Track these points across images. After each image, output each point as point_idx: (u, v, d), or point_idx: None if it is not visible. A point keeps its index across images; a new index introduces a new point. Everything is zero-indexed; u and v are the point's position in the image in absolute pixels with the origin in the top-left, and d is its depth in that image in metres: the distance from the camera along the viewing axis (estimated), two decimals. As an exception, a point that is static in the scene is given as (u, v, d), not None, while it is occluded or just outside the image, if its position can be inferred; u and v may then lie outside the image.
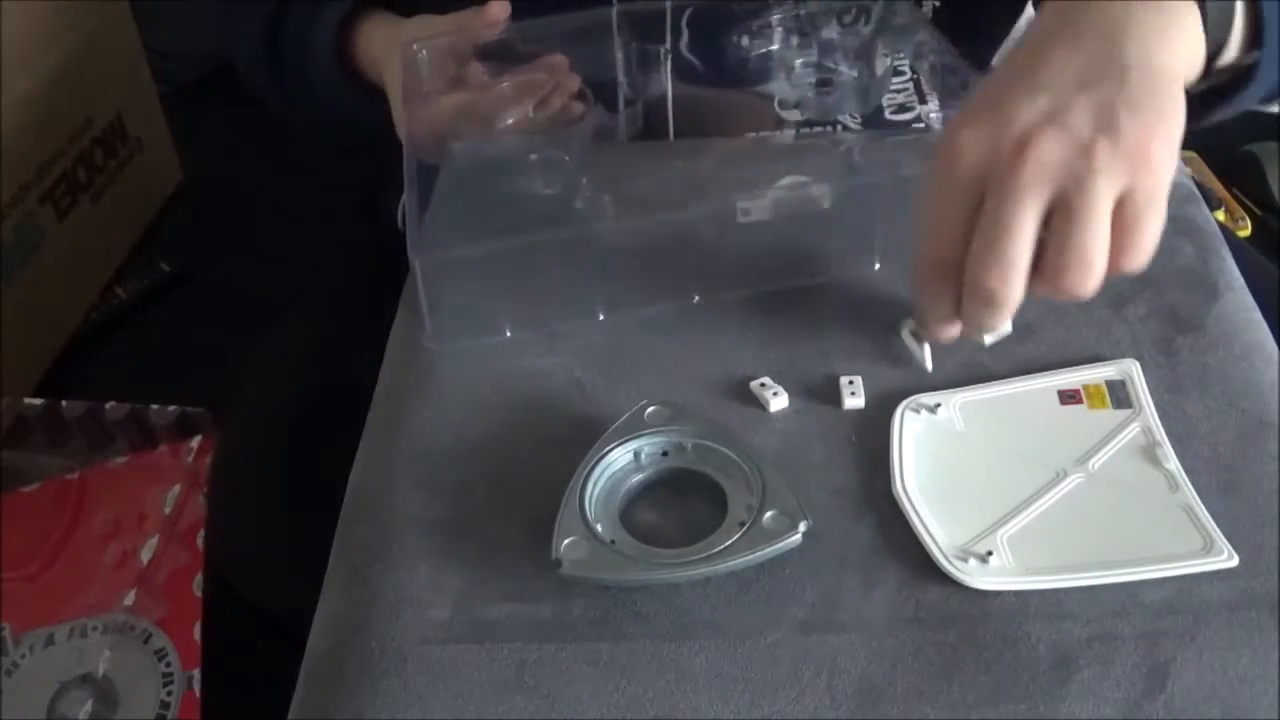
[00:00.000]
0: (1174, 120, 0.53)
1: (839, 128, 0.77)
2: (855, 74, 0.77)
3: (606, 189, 0.65)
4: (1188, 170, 0.76)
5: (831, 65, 0.77)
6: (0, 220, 1.41)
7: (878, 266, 0.67)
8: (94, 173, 1.60)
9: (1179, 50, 0.55)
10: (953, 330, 0.58)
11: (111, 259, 1.68)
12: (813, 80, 0.77)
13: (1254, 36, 0.59)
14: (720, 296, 0.66)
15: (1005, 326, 0.57)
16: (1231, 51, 0.59)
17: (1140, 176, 0.51)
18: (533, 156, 0.69)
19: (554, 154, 0.70)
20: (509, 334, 0.66)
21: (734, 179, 0.66)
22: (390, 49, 0.77)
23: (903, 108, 0.78)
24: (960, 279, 0.54)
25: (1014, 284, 0.53)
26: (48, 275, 1.50)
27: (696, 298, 0.66)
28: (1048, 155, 0.51)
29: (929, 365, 0.62)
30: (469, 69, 0.74)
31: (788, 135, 0.77)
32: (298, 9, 0.83)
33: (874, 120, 0.77)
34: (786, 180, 0.65)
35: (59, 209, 1.52)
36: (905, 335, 0.63)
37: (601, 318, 0.66)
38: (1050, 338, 0.64)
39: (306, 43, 0.82)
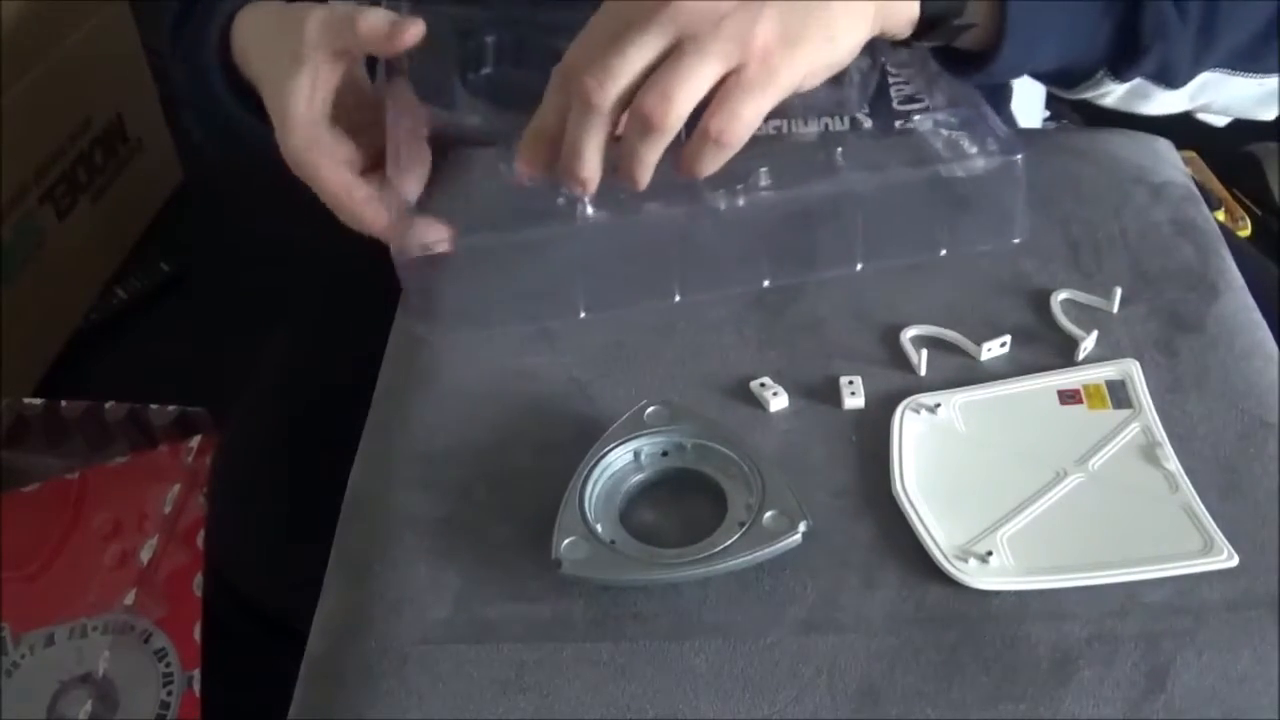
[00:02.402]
0: (814, 45, 0.55)
1: (844, 120, 0.76)
2: (852, 78, 0.76)
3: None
4: (1187, 170, 0.76)
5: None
6: (0, 220, 1.41)
7: (859, 267, 0.67)
8: (94, 173, 1.60)
9: None
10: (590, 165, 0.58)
11: (111, 259, 1.68)
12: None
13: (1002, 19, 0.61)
14: (701, 295, 0.66)
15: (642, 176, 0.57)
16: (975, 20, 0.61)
17: (754, 67, 0.54)
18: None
19: None
20: (494, 327, 0.65)
21: (716, 175, 0.66)
22: (265, 32, 0.66)
23: (911, 99, 0.77)
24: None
25: (609, 89, 0.54)
26: (48, 275, 1.50)
27: (678, 297, 0.66)
28: (688, 5, 0.54)
29: (923, 370, 0.62)
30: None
31: (803, 130, 0.75)
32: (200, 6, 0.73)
33: (881, 110, 0.76)
34: (764, 179, 0.65)
35: (59, 209, 1.53)
36: (904, 341, 0.63)
37: (583, 315, 0.66)
38: (1050, 338, 0.64)
39: (202, 34, 0.71)
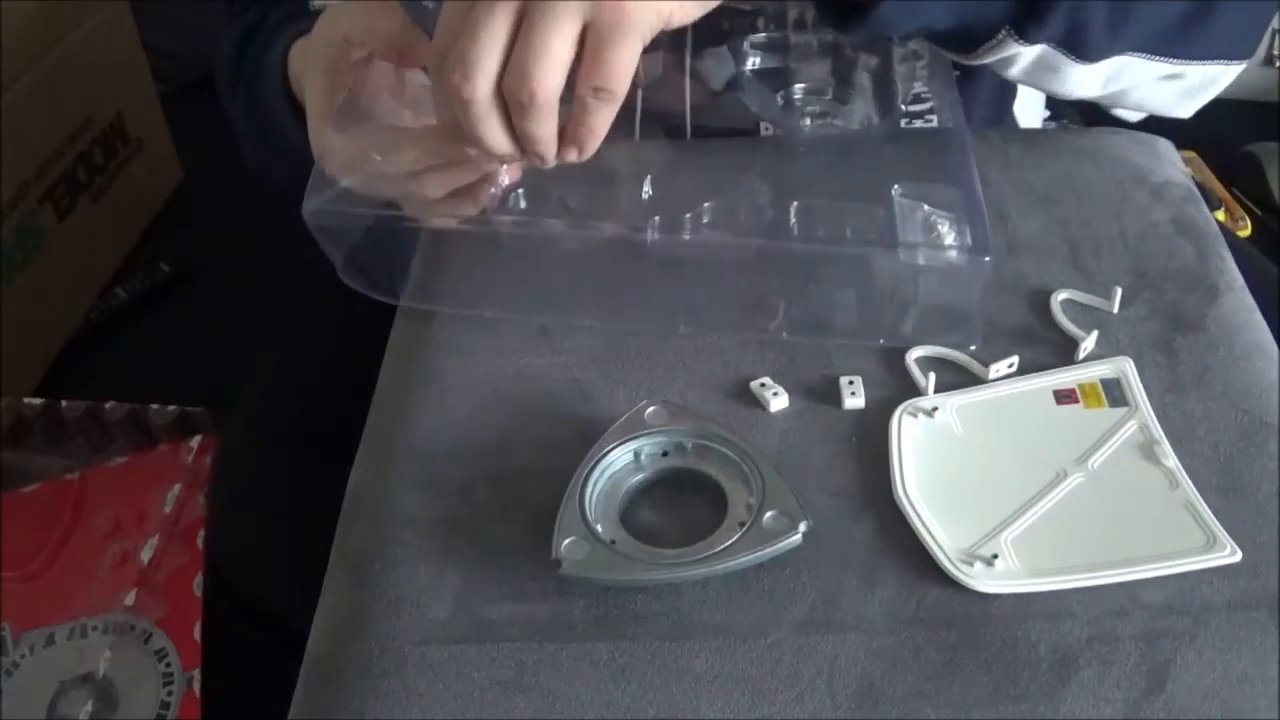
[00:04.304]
0: None
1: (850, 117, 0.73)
2: (831, 89, 0.73)
3: (531, 184, 0.61)
4: (1187, 170, 0.76)
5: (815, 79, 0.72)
6: (0, 220, 1.41)
7: (781, 332, 0.64)
8: (94, 173, 1.60)
9: None
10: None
11: (111, 259, 1.68)
12: (795, 96, 0.73)
13: None
14: (608, 322, 0.64)
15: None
16: None
17: (608, 14, 0.51)
18: None
19: None
20: (399, 300, 0.67)
21: (657, 199, 0.61)
22: (305, 53, 0.66)
23: (919, 98, 0.75)
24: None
25: (476, 81, 0.51)
26: (48, 275, 1.50)
27: (588, 321, 0.64)
28: None
29: (931, 390, 0.61)
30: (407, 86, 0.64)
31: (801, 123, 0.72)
32: (273, 18, 0.75)
33: (887, 109, 0.72)
34: (706, 216, 0.62)
35: (59, 209, 1.53)
36: (909, 362, 0.63)
37: (456, 309, 0.66)
38: (1050, 338, 0.64)
39: (264, 58, 0.72)
